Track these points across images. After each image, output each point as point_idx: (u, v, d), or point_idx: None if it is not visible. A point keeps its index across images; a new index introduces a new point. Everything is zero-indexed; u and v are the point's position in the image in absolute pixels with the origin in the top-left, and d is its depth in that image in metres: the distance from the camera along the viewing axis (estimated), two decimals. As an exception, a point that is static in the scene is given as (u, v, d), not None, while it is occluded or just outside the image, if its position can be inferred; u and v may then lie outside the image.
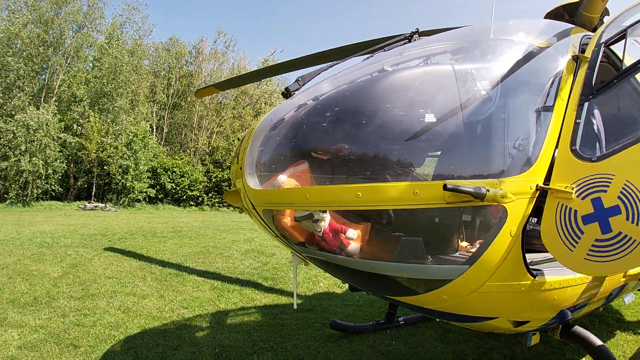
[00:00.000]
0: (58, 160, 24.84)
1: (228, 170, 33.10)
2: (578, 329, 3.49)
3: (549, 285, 2.66)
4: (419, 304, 2.87)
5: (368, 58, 3.36)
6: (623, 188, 2.26)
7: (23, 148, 22.74)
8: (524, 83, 2.96)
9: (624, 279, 3.50)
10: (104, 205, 25.39)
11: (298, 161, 2.70)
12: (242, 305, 6.57)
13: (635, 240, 2.20)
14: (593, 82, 2.72)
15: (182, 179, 30.95)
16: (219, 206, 32.86)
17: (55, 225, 15.50)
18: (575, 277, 2.78)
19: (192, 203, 31.94)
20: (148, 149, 28.54)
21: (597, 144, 2.81)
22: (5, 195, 23.51)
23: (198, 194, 32.00)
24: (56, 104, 27.58)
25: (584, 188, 2.37)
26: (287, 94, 2.90)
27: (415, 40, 3.56)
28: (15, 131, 22.74)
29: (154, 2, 56.64)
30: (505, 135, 2.75)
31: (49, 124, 23.80)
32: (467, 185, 2.26)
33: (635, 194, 2.22)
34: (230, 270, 9.08)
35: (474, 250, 2.54)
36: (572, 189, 2.39)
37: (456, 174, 2.55)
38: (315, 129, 2.77)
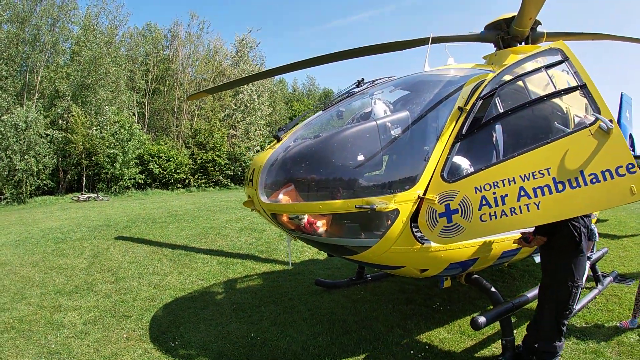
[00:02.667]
0: (48, 156, 25.19)
1: (212, 152, 34.16)
2: (475, 276, 5.16)
3: (434, 249, 4.27)
4: (360, 259, 4.55)
5: (328, 106, 5.03)
6: (462, 199, 3.84)
7: (16, 148, 23.01)
8: (424, 129, 4.53)
9: (515, 244, 4.97)
10: (96, 195, 26.13)
11: (287, 184, 4.33)
12: (245, 274, 8.18)
13: (464, 227, 3.80)
14: (464, 130, 4.26)
15: (168, 163, 31.63)
16: (205, 187, 33.96)
17: (58, 220, 16.25)
18: (454, 244, 4.29)
19: (180, 185, 32.76)
20: (134, 138, 29.05)
21: (455, 171, 4.24)
22: (0, 196, 23.87)
23: (185, 177, 32.88)
24: (40, 100, 27.70)
25: (442, 198, 3.95)
26: (277, 138, 4.55)
27: (362, 85, 5.21)
28: (4, 131, 22.89)
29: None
30: (407, 166, 4.39)
31: (37, 122, 24.04)
32: (368, 203, 3.86)
33: (468, 203, 3.81)
34: (230, 247, 10.62)
35: (383, 230, 4.15)
36: (436, 198, 3.97)
37: (374, 192, 4.13)
38: (294, 164, 4.41)
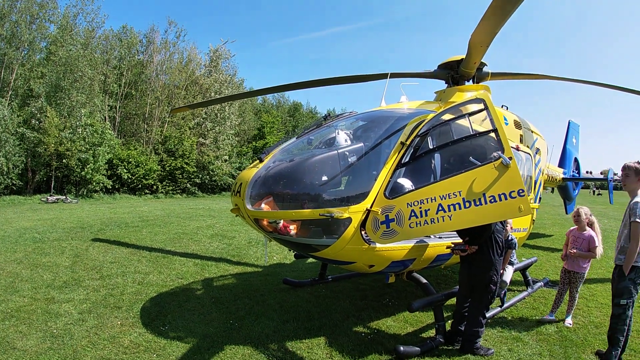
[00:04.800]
0: (17, 155, 25.03)
1: (181, 159, 34.65)
2: (414, 273, 6.37)
3: (378, 249, 5.44)
4: (321, 255, 5.55)
5: (301, 135, 6.17)
6: (397, 211, 4.99)
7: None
8: (374, 157, 5.66)
9: (448, 249, 6.11)
10: (65, 197, 26.23)
11: (267, 195, 5.36)
12: (220, 274, 9.09)
13: (397, 232, 4.94)
14: (404, 160, 5.44)
15: (137, 168, 31.87)
16: (173, 194, 34.34)
17: (30, 221, 16.43)
18: (394, 245, 5.49)
19: (147, 191, 33.02)
20: (105, 143, 29.11)
21: (394, 191, 5.30)
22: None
23: (153, 183, 33.14)
24: (14, 98, 27.44)
25: (384, 210, 5.09)
26: (260, 159, 5.61)
27: (328, 120, 6.37)
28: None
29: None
30: (359, 185, 5.49)
31: (7, 119, 23.87)
32: (329, 212, 4.94)
33: (401, 214, 4.95)
34: (203, 251, 11.50)
35: (339, 233, 5.21)
36: (379, 210, 5.11)
37: (334, 204, 5.21)
38: (274, 181, 5.48)
